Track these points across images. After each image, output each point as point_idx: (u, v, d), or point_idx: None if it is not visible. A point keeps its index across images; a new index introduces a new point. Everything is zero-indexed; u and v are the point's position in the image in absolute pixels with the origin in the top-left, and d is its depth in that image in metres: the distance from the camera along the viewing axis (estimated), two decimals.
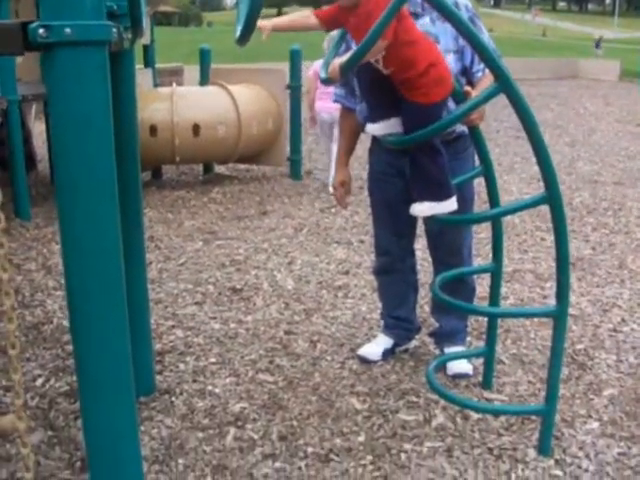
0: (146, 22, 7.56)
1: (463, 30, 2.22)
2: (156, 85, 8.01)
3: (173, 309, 4.25)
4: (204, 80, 8.10)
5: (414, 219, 3.32)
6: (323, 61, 2.55)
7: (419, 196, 2.69)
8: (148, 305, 3.32)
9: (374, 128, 2.64)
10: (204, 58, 8.09)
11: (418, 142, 2.52)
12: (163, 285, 4.66)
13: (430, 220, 2.78)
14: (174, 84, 7.63)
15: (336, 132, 8.54)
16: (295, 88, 7.79)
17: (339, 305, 4.26)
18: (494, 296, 3.02)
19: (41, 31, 1.50)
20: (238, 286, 4.61)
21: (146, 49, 7.96)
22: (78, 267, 1.76)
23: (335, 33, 2.75)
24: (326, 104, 6.90)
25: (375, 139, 3.20)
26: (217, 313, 4.18)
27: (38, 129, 9.34)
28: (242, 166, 8.40)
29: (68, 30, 1.50)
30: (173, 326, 3.99)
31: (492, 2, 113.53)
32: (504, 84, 2.26)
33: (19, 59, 8.40)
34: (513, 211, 2.96)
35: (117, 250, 1.84)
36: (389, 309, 3.51)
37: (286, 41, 9.73)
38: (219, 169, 8.36)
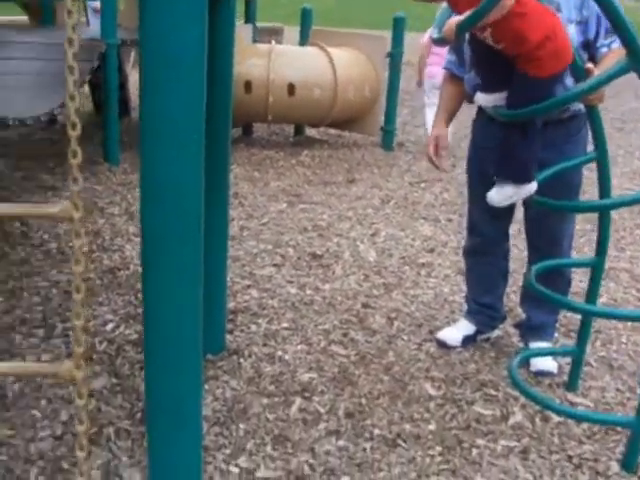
0: None
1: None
2: (255, 42, 7.88)
3: (250, 268, 4.16)
4: (304, 40, 7.95)
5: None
6: (436, 20, 2.37)
7: (501, 173, 2.59)
8: (226, 262, 3.23)
9: (485, 99, 2.45)
10: (305, 18, 7.93)
11: (528, 117, 2.32)
12: (243, 243, 4.57)
13: (531, 203, 2.58)
14: (273, 42, 7.49)
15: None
16: (396, 56, 7.55)
17: (421, 283, 4.08)
18: (592, 293, 2.79)
19: None
20: (318, 252, 4.48)
21: (247, 4, 7.84)
22: (155, 212, 1.65)
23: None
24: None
25: (481, 109, 2.99)
26: (294, 277, 4.06)
27: (134, 77, 9.38)
28: (333, 131, 8.23)
29: None
30: (249, 286, 3.90)
31: None
32: (637, 60, 2.02)
33: (122, 5, 8.43)
34: (628, 204, 2.71)
35: (198, 201, 1.72)
36: (475, 294, 3.32)
37: (391, 10, 9.49)
38: (310, 132, 8.22)
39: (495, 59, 2.37)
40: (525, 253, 3.27)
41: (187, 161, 1.61)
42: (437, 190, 6.23)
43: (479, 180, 3.04)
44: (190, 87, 1.51)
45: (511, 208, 3.11)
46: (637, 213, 5.83)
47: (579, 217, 4.91)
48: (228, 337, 3.26)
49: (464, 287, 3.70)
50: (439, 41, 2.21)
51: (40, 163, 6.26)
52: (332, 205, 5.56)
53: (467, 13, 2.10)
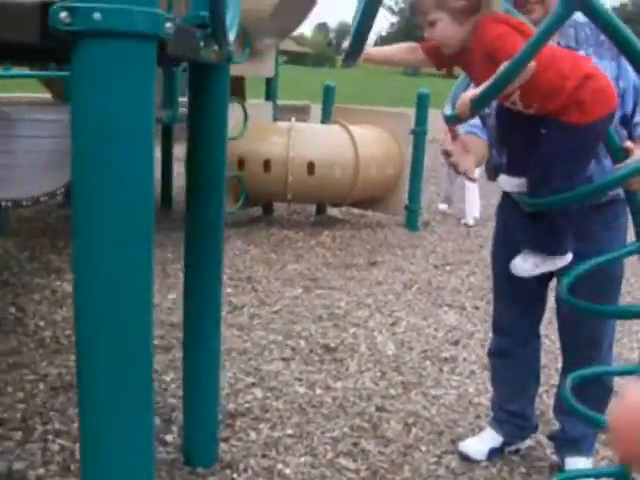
0: (271, 55, 7.31)
1: (635, 56, 1.65)
2: (276, 119, 7.73)
3: (257, 363, 3.82)
4: (326, 118, 7.78)
5: (544, 295, 2.77)
6: (450, 95, 2.07)
7: (529, 242, 2.21)
8: (219, 358, 2.90)
9: (510, 183, 2.12)
10: (328, 96, 7.78)
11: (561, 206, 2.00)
12: (251, 333, 4.24)
13: (564, 303, 2.23)
14: (293, 119, 7.31)
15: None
16: (420, 133, 7.32)
17: (443, 382, 3.70)
18: None
19: (63, 15, 1.10)
20: (332, 344, 4.13)
21: (269, 82, 7.71)
22: (88, 325, 1.32)
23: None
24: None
25: (507, 195, 2.67)
26: (304, 374, 3.71)
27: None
28: (356, 211, 7.97)
29: (97, 15, 1.09)
30: (253, 384, 3.55)
31: None
32: None
33: None
34: None
35: (145, 310, 1.39)
36: (502, 400, 2.94)
37: (413, 87, 9.35)
38: (332, 212, 7.97)
39: (525, 133, 2.05)
40: (558, 344, 2.89)
41: (129, 256, 1.29)
42: (464, 274, 5.88)
43: (507, 274, 2.70)
44: (128, 171, 1.20)
45: (542, 303, 2.77)
46: None
47: None
48: (223, 446, 2.90)
49: (491, 389, 3.33)
50: (452, 119, 1.91)
51: (51, 242, 6.05)
52: (351, 290, 5.23)
53: (484, 85, 1.79)
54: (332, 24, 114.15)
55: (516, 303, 2.73)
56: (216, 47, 1.82)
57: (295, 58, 52.03)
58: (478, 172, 8.95)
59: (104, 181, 1.15)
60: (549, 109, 1.92)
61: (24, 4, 1.14)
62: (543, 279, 2.69)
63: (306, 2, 7.01)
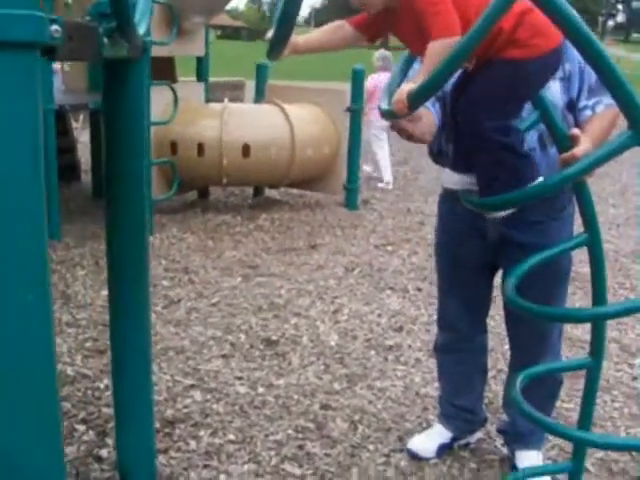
0: (200, 34, 7.05)
1: (583, 42, 1.52)
2: (209, 100, 7.48)
3: (196, 362, 3.65)
4: (259, 97, 7.57)
5: (490, 289, 2.66)
6: (385, 87, 1.92)
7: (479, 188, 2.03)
8: (150, 364, 2.72)
9: (452, 180, 1.99)
10: (260, 74, 7.57)
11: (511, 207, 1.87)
12: (189, 329, 4.07)
13: (509, 303, 2.10)
14: (226, 100, 7.09)
15: (384, 136, 8.27)
16: (356, 111, 7.17)
17: (388, 372, 3.60)
18: (586, 415, 2.24)
19: None
20: (274, 337, 3.98)
21: (199, 61, 7.45)
22: None
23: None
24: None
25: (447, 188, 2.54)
26: (245, 372, 3.56)
27: (85, 139, 8.94)
28: (295, 191, 7.82)
29: None
30: (192, 386, 3.39)
31: None
32: None
33: (67, 67, 8.01)
34: (626, 312, 2.19)
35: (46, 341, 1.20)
36: (449, 395, 2.84)
37: (347, 61, 9.18)
38: (270, 193, 7.79)
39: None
40: (503, 326, 2.78)
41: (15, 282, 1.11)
42: (405, 253, 5.79)
43: (451, 268, 2.60)
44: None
45: (488, 297, 2.68)
46: (618, 270, 5.45)
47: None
48: (161, 459, 2.74)
49: (437, 376, 3.25)
50: (388, 114, 1.76)
51: None
52: (291, 277, 5.08)
53: (419, 78, 1.64)
54: None
55: (461, 298, 2.61)
56: (125, 42, 1.64)
57: (229, 33, 51.27)
58: (386, 134, 8.94)
59: None
60: (490, 54, 1.79)
61: None
62: (488, 271, 2.59)
63: None
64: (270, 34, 1.63)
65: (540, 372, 2.28)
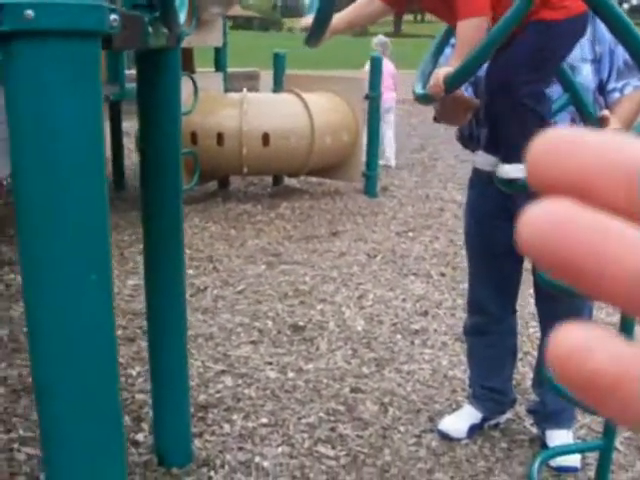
0: (218, 24, 7.09)
1: (613, 21, 1.53)
2: (227, 90, 7.52)
3: (225, 348, 3.70)
4: (277, 87, 7.60)
5: (519, 271, 2.69)
6: (418, 71, 1.94)
7: (504, 156, 1.98)
8: (186, 346, 2.78)
9: (486, 161, 2.01)
10: (278, 64, 7.59)
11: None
12: (217, 317, 4.12)
13: (545, 285, 2.13)
14: (245, 90, 7.12)
15: (390, 118, 8.24)
16: (374, 98, 7.19)
17: (416, 356, 3.64)
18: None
19: None
20: (301, 323, 4.03)
21: (217, 52, 7.48)
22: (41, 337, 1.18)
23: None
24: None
25: (479, 171, 2.57)
26: (274, 357, 3.61)
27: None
28: (314, 179, 7.84)
29: (29, 12, 0.94)
30: (223, 371, 3.44)
31: None
32: None
33: None
34: None
35: (105, 299, 1.25)
36: (480, 378, 2.87)
37: (363, 47, 9.17)
38: (289, 181, 7.83)
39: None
40: (528, 309, 2.82)
41: (81, 274, 1.15)
42: (426, 239, 5.82)
43: (481, 251, 2.62)
44: (75, 183, 1.07)
45: (517, 279, 2.70)
46: None
47: None
48: (197, 442, 2.80)
49: (463, 358, 3.29)
50: (423, 99, 1.78)
51: (1, 231, 5.82)
52: (315, 264, 5.12)
53: (455, 61, 1.67)
54: None
55: (491, 281, 2.65)
56: (165, 30, 1.68)
57: (241, 23, 51.23)
58: (393, 117, 8.93)
59: (52, 196, 1.02)
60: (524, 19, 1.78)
61: None
62: (517, 254, 2.61)
63: None
64: (305, 21, 1.65)
65: None
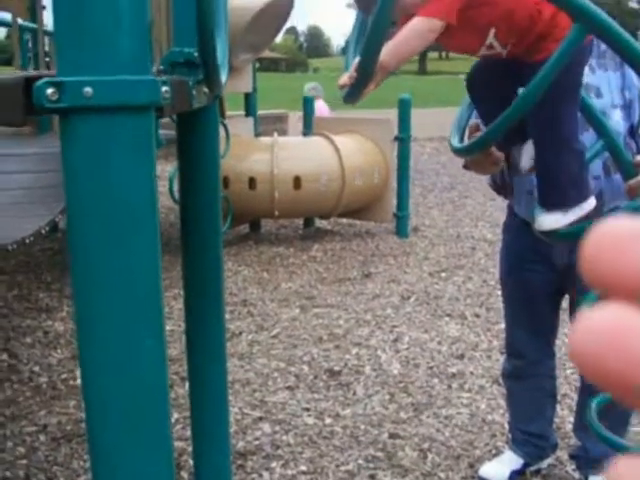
0: (247, 70, 7.21)
1: (630, 55, 1.53)
2: (257, 134, 7.63)
3: (262, 394, 3.71)
4: (307, 130, 7.68)
5: (557, 314, 2.68)
6: (453, 124, 1.97)
7: (544, 201, 1.92)
8: (226, 395, 2.79)
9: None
10: (308, 107, 7.68)
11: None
12: (253, 362, 4.14)
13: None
14: (275, 134, 7.22)
15: None
16: (404, 139, 7.24)
17: (453, 400, 3.62)
18: None
19: (50, 91, 0.99)
20: (336, 368, 4.03)
21: (247, 97, 7.60)
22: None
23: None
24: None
25: (512, 211, 2.58)
26: (311, 402, 3.61)
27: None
28: (345, 220, 7.88)
29: (88, 90, 0.99)
30: (260, 418, 3.45)
31: None
32: None
33: None
34: None
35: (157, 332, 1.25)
36: (520, 422, 2.85)
37: (388, 86, 9.27)
38: (320, 223, 7.87)
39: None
40: (564, 349, 2.80)
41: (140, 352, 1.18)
42: (460, 280, 5.80)
43: (518, 295, 2.62)
44: (132, 252, 1.09)
45: (555, 322, 2.69)
46: None
47: None
48: None
49: (502, 401, 3.27)
50: (461, 152, 1.80)
51: (37, 277, 5.92)
52: (348, 307, 5.13)
53: (387, 48, 1.59)
54: (301, 27, 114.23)
55: (528, 324, 2.64)
56: (207, 90, 1.72)
57: (268, 65, 51.95)
58: None
59: (107, 269, 1.05)
60: (531, 38, 1.73)
61: (4, 80, 1.03)
62: (555, 297, 2.61)
63: (281, 14, 6.91)
64: (344, 80, 1.65)
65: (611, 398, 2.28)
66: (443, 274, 6.00)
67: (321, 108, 9.49)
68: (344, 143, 6.97)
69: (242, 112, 8.01)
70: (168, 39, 2.44)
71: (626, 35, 1.48)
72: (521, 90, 1.89)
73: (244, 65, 7.16)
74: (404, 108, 7.15)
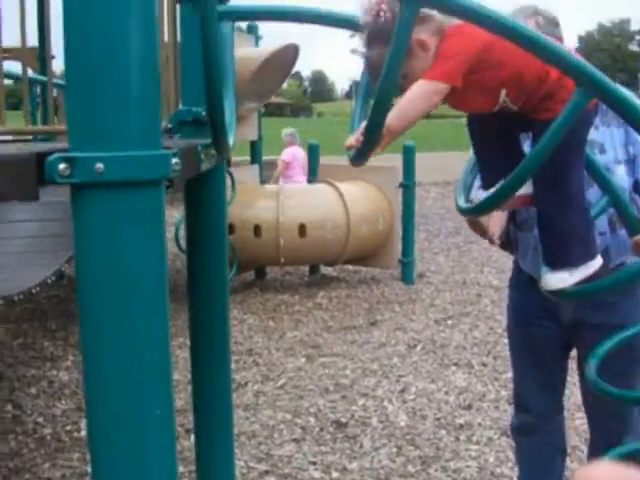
0: (253, 118, 7.26)
1: (634, 119, 1.53)
2: (262, 181, 7.68)
3: (268, 447, 3.68)
4: (312, 177, 7.73)
5: (565, 368, 2.66)
6: (459, 184, 1.98)
7: (549, 259, 1.88)
8: (232, 447, 2.76)
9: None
10: (313, 154, 7.74)
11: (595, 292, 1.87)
12: (258, 414, 4.11)
13: (593, 387, 2.10)
14: (280, 181, 7.26)
15: None
16: (408, 187, 7.27)
17: (461, 453, 3.57)
18: None
19: (62, 167, 1.01)
20: (343, 419, 4.00)
21: (253, 144, 7.67)
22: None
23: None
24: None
25: (518, 267, 2.58)
26: (318, 455, 3.57)
27: None
28: (350, 267, 7.88)
29: (100, 166, 1.00)
30: (266, 472, 3.41)
31: None
32: None
33: None
34: None
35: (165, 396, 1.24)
36: (529, 478, 2.81)
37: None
38: (326, 270, 7.86)
39: (502, 136, 1.86)
40: (572, 400, 2.77)
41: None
42: (466, 327, 5.78)
43: (524, 350, 2.61)
44: (143, 326, 1.10)
45: (563, 376, 2.67)
46: None
47: None
48: None
49: (510, 454, 3.23)
50: (468, 213, 1.81)
51: (42, 325, 5.92)
52: (354, 356, 5.10)
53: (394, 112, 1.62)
54: (305, 72, 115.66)
55: (536, 379, 2.62)
56: (214, 152, 1.74)
57: (273, 110, 52.46)
58: None
59: (116, 341, 1.05)
60: (539, 97, 1.71)
61: (17, 155, 1.05)
62: (562, 351, 2.60)
63: (287, 63, 7.00)
64: (350, 141, 1.66)
65: (626, 454, 2.26)
66: (449, 321, 5.98)
67: (296, 153, 9.85)
68: (349, 190, 7.01)
69: (247, 157, 8.08)
70: (176, 96, 2.48)
71: (630, 99, 1.49)
72: (522, 136, 1.92)
73: (250, 113, 7.24)
74: (408, 155, 7.20)
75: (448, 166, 14.33)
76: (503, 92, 1.69)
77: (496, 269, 7.76)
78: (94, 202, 1.03)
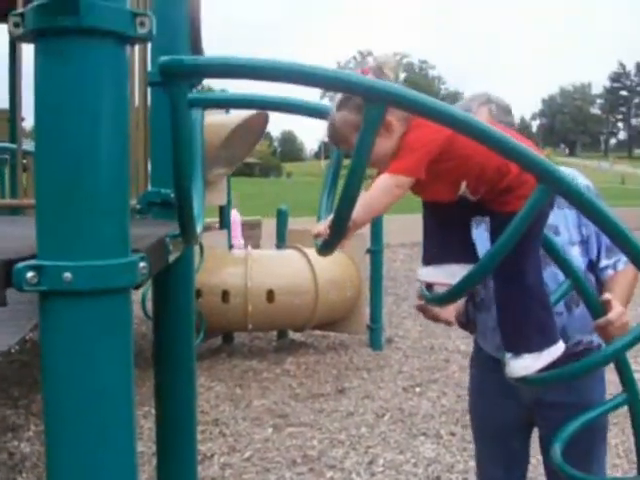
0: (222, 183, 7.28)
1: (592, 212, 1.57)
2: (231, 247, 7.69)
3: None
4: (281, 242, 7.76)
5: (527, 447, 2.67)
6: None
7: (508, 345, 1.91)
8: None
9: (428, 273, 1.92)
10: (281, 219, 7.79)
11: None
12: None
13: (559, 470, 2.11)
14: (249, 247, 7.28)
15: None
16: (376, 252, 7.33)
17: None
18: None
19: (29, 275, 1.02)
20: None
21: (222, 209, 7.70)
22: None
23: None
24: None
25: (478, 346, 2.61)
26: None
27: None
28: (318, 332, 7.86)
29: (68, 275, 1.01)
30: None
31: (567, 151, 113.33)
32: None
33: None
34: None
35: None
36: None
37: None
38: (294, 335, 7.84)
39: (452, 221, 1.88)
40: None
41: None
42: (434, 395, 5.77)
43: (486, 428, 2.62)
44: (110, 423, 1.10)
45: (526, 454, 2.67)
46: None
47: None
48: None
49: None
50: (433, 301, 1.84)
51: (4, 392, 5.78)
52: (322, 426, 5.06)
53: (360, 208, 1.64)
54: (275, 132, 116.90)
55: (499, 457, 2.62)
56: (182, 240, 1.75)
57: (242, 169, 52.85)
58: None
59: (82, 458, 1.05)
60: (499, 190, 1.76)
61: None
62: (524, 430, 2.61)
63: (256, 129, 7.07)
64: (317, 229, 1.68)
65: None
66: (417, 389, 5.97)
67: (236, 216, 10.02)
68: (317, 256, 6.99)
69: (216, 219, 8.09)
70: (145, 177, 2.50)
71: (589, 196, 1.54)
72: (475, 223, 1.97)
73: (219, 179, 7.28)
74: (377, 223, 7.27)
75: (416, 227, 14.36)
76: (464, 184, 1.74)
77: (464, 334, 7.71)
78: (62, 310, 1.03)
